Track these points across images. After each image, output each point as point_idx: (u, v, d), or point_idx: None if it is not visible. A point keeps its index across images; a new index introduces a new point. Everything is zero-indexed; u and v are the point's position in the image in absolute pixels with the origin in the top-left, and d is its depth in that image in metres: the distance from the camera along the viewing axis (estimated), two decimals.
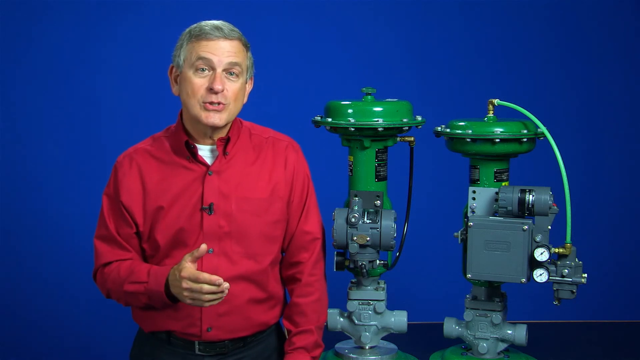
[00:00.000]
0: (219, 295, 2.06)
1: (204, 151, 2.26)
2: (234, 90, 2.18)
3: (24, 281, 3.84)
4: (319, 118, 2.54)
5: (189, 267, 2.06)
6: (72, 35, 3.78)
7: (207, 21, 2.20)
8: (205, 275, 2.03)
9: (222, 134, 2.26)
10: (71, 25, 3.77)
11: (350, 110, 2.44)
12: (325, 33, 3.92)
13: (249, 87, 2.30)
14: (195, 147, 2.23)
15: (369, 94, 2.50)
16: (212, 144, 2.26)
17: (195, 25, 2.21)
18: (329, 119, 2.47)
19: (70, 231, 3.82)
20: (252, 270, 2.25)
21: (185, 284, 2.05)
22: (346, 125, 2.43)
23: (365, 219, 2.34)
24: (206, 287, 2.03)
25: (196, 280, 2.04)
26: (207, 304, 2.08)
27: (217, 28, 2.17)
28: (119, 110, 3.82)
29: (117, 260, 2.25)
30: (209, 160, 2.25)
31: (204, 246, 2.06)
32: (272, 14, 3.85)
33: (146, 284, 2.16)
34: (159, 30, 3.77)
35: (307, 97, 3.53)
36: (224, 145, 2.25)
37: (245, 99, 2.29)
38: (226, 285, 2.05)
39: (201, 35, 2.16)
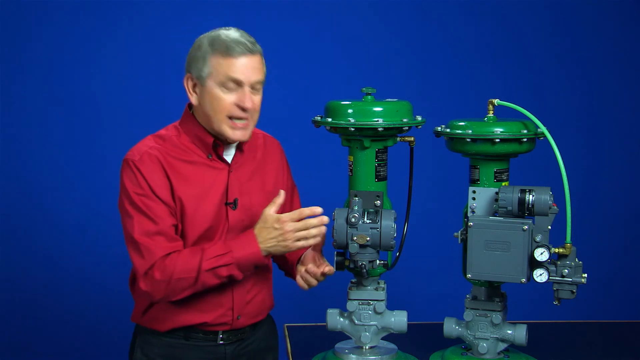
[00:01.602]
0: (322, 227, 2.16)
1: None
2: (257, 103, 2.23)
3: (23, 281, 3.84)
4: (319, 118, 2.53)
5: (280, 213, 2.15)
6: (72, 35, 3.78)
7: (225, 32, 2.20)
8: (306, 210, 2.13)
9: None
10: (71, 25, 3.77)
11: (350, 110, 2.44)
12: (325, 33, 3.92)
13: None
14: (221, 147, 2.27)
15: (369, 94, 2.50)
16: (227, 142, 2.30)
17: (214, 35, 2.20)
18: (329, 119, 2.47)
19: (69, 231, 3.82)
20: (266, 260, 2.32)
21: (290, 227, 2.13)
22: (346, 125, 2.42)
23: (365, 219, 2.34)
24: (311, 221, 2.12)
25: (300, 217, 2.13)
26: (312, 241, 2.17)
27: (240, 43, 2.17)
28: (119, 110, 3.82)
29: (175, 252, 2.19)
30: (226, 157, 2.30)
31: (282, 194, 2.19)
32: (272, 13, 3.85)
33: (231, 252, 2.17)
34: (159, 30, 3.77)
35: (307, 97, 3.53)
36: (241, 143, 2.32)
37: None
38: (325, 219, 2.16)
39: (228, 53, 2.16)
